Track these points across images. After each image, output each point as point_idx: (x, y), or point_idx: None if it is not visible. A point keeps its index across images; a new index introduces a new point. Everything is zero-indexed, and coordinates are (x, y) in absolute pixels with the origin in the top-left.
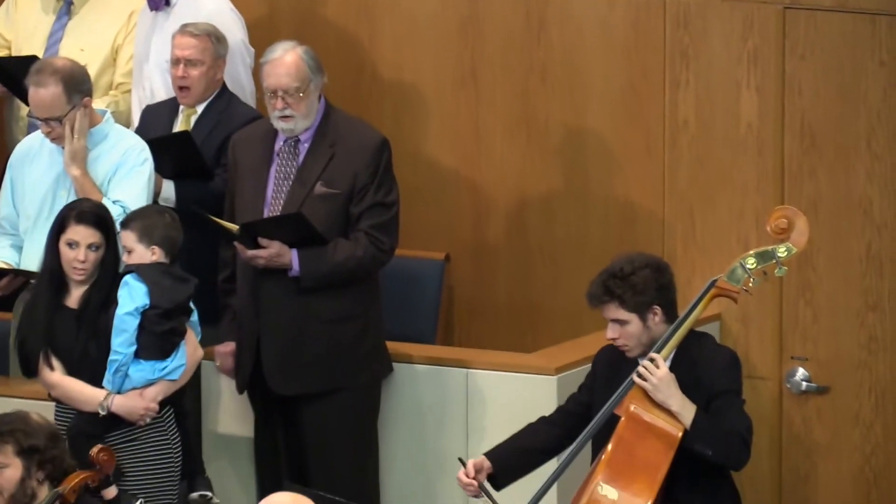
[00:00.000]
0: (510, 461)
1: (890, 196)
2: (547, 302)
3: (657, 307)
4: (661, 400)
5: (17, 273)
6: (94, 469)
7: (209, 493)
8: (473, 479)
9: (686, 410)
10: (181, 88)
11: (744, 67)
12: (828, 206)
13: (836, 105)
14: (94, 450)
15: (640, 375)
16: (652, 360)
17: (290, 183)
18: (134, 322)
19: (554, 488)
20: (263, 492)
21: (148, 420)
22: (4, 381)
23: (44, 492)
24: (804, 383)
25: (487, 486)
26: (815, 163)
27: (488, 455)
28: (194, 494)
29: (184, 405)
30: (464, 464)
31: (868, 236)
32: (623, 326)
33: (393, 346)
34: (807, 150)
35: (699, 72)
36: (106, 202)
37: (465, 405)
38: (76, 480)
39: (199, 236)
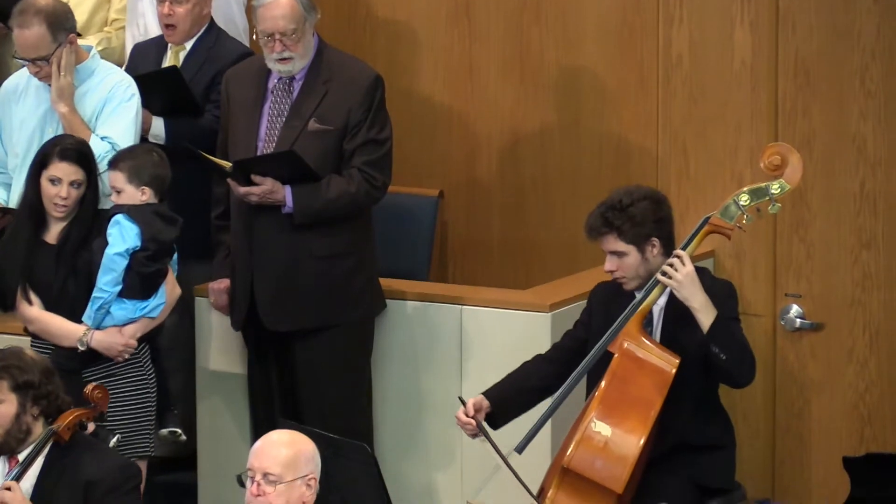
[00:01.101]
0: (508, 400)
1: (884, 133)
2: (541, 238)
3: (655, 239)
4: (684, 297)
5: (5, 211)
6: (88, 407)
7: (178, 430)
8: (472, 418)
9: (707, 310)
10: (167, 26)
11: (737, 3)
12: (821, 144)
13: (830, 42)
14: (89, 387)
15: (664, 273)
16: (678, 258)
17: (284, 120)
18: (123, 263)
19: (548, 425)
20: (257, 428)
21: (126, 356)
22: None
23: (38, 428)
24: (798, 320)
25: (485, 425)
26: (808, 100)
27: (486, 394)
28: (164, 431)
29: (158, 342)
30: (463, 403)
31: (862, 174)
32: (621, 258)
33: (386, 282)
34: (801, 86)
35: (693, 8)
36: (94, 139)
37: (458, 342)
38: (71, 418)
39: (191, 172)
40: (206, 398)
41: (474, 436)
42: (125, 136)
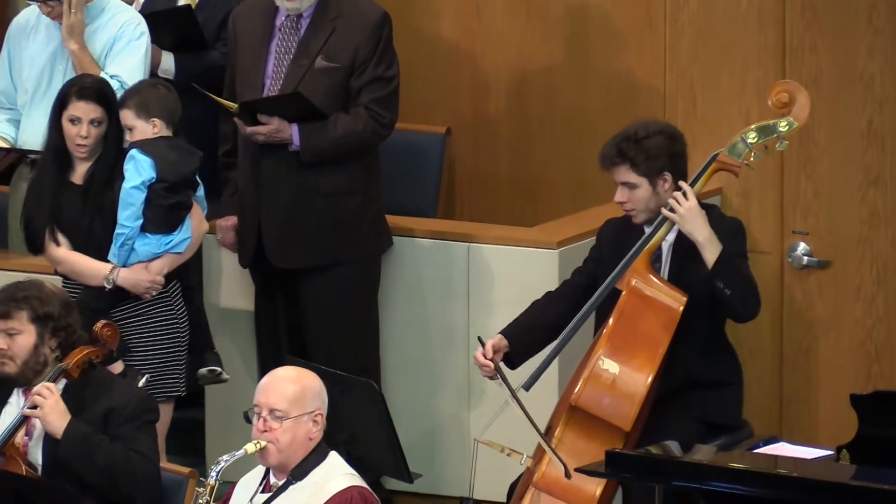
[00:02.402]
0: (524, 339)
1: (891, 71)
2: (548, 175)
3: (668, 174)
4: (688, 231)
5: (10, 150)
6: (97, 344)
7: (218, 369)
8: (490, 360)
9: (712, 245)
10: None
11: None
12: (829, 81)
13: None
14: (98, 325)
15: (668, 208)
16: (682, 192)
17: (291, 57)
18: (141, 196)
19: (555, 362)
20: (264, 366)
21: (153, 294)
22: (4, 255)
23: (53, 360)
24: (805, 258)
25: (503, 366)
26: (816, 37)
27: (504, 334)
28: (203, 370)
29: (191, 280)
30: (482, 343)
31: (869, 111)
32: (632, 190)
33: (393, 219)
34: (808, 24)
35: None
36: (103, 76)
37: (466, 279)
38: (80, 356)
39: (198, 110)
40: (214, 335)
41: (492, 377)
42: (134, 75)
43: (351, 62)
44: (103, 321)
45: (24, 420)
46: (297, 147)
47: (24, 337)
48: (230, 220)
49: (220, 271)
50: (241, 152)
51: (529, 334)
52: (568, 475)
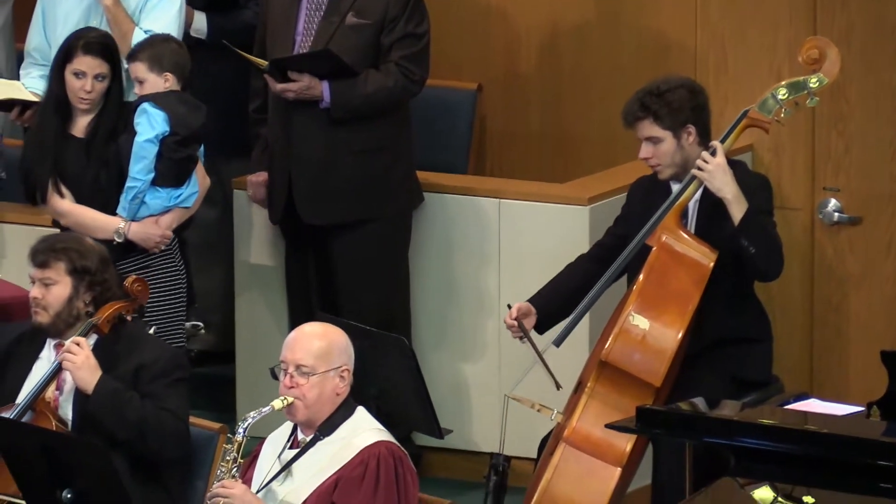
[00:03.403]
0: (553, 304)
1: None
2: (579, 132)
3: (691, 126)
4: (715, 188)
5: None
6: (128, 300)
7: (200, 324)
8: (515, 319)
9: (739, 202)
10: None
11: None
12: (860, 37)
13: None
14: (129, 280)
15: (697, 167)
16: (712, 150)
17: (322, 14)
18: (153, 149)
19: (586, 318)
20: (294, 322)
21: (163, 247)
22: (38, 211)
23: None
24: (836, 214)
25: (525, 327)
26: None
27: (532, 301)
28: (186, 324)
29: (185, 235)
30: (510, 308)
31: None
32: (657, 145)
33: (424, 175)
34: None
35: None
36: (137, 32)
37: (496, 235)
38: (110, 311)
39: (230, 67)
40: (245, 292)
41: (520, 338)
42: (168, 31)
43: (381, 18)
44: (134, 276)
45: (56, 374)
46: (327, 104)
47: (59, 288)
48: (261, 176)
49: (250, 227)
50: (272, 109)
51: (558, 298)
52: (558, 386)
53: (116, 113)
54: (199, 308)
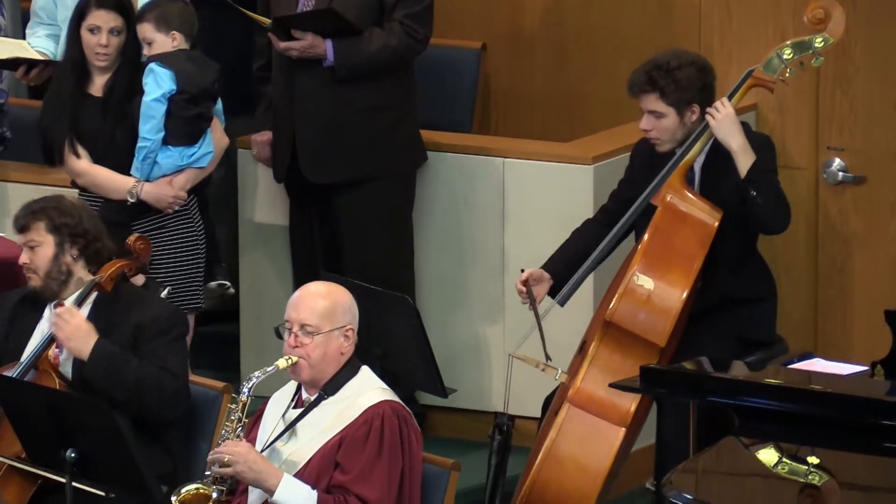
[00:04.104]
0: (566, 269)
1: None
2: (583, 91)
3: (696, 106)
4: (722, 137)
5: (48, 63)
6: (130, 258)
7: (227, 283)
8: (524, 284)
9: (746, 153)
10: None
11: None
12: None
13: None
14: (131, 238)
15: (707, 114)
16: (721, 102)
17: None
18: (161, 108)
19: (590, 278)
20: (299, 281)
21: (176, 208)
22: (43, 170)
23: (79, 270)
24: (840, 173)
25: (534, 296)
26: None
27: (545, 268)
28: (213, 283)
29: (206, 194)
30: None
31: None
32: (659, 119)
33: (428, 135)
34: None
35: None
36: None
37: (501, 194)
38: (113, 269)
39: (233, 25)
40: (249, 251)
41: (528, 304)
42: None
43: None
44: (136, 234)
45: (52, 338)
46: (331, 63)
47: (43, 248)
48: (265, 135)
49: (255, 186)
50: (276, 67)
51: (568, 263)
52: (547, 357)
53: (133, 71)
54: (225, 267)
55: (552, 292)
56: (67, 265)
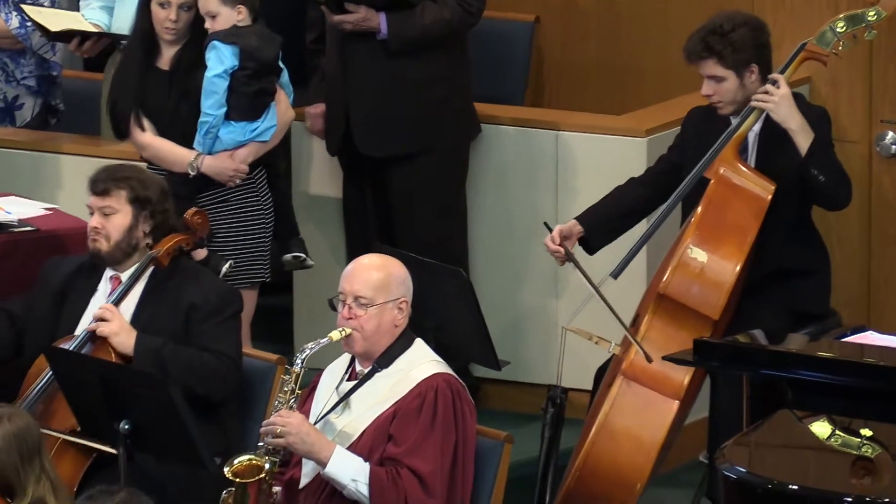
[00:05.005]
0: (601, 224)
1: None
2: (636, 63)
3: (754, 66)
4: (780, 118)
5: (101, 35)
6: (188, 232)
7: (302, 255)
8: (560, 245)
9: (805, 132)
10: None
11: None
12: None
13: None
14: (189, 212)
15: (758, 99)
16: (774, 82)
17: None
18: (223, 84)
19: (643, 251)
20: (352, 253)
21: (237, 181)
22: (96, 142)
23: (143, 243)
24: (893, 146)
25: (572, 252)
26: None
27: (579, 219)
28: (288, 256)
29: (277, 166)
30: (549, 229)
31: None
32: (719, 83)
33: (481, 107)
34: None
35: None
36: None
37: (554, 167)
38: (170, 244)
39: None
40: (302, 223)
41: (563, 262)
42: None
43: None
44: (194, 209)
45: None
46: (384, 36)
47: (119, 217)
48: (318, 108)
49: (309, 158)
50: (329, 40)
51: (606, 220)
52: (648, 359)
53: (201, 44)
54: (302, 239)
55: (584, 245)
56: (138, 239)
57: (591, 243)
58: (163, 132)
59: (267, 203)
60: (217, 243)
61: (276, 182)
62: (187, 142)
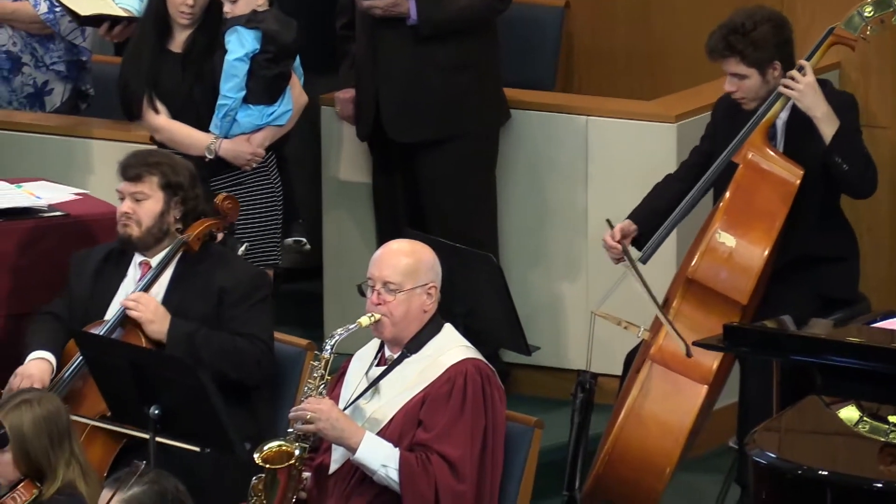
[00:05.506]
0: (652, 222)
1: None
2: (666, 49)
3: (777, 62)
4: (805, 107)
5: (131, 20)
6: (218, 217)
7: (303, 239)
8: (618, 242)
9: (829, 120)
10: None
11: None
12: None
13: None
14: (219, 197)
15: (785, 86)
16: (801, 68)
17: None
18: (244, 67)
19: (672, 235)
20: (382, 238)
21: (254, 165)
22: (126, 127)
23: (175, 232)
24: None
25: (630, 249)
26: None
27: (632, 217)
28: (289, 240)
29: (284, 151)
30: (611, 226)
31: None
32: (742, 80)
33: (511, 93)
34: None
35: None
36: None
37: (584, 153)
38: (201, 228)
39: None
40: (332, 208)
41: (618, 261)
42: None
43: None
44: (224, 193)
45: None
46: (414, 21)
47: (151, 202)
48: (349, 93)
49: (338, 144)
50: (359, 25)
51: (656, 217)
52: (689, 353)
53: (215, 27)
54: (303, 223)
55: (635, 243)
56: (168, 224)
57: (642, 241)
58: (175, 115)
59: (278, 187)
60: (234, 228)
61: (283, 166)
62: (201, 125)
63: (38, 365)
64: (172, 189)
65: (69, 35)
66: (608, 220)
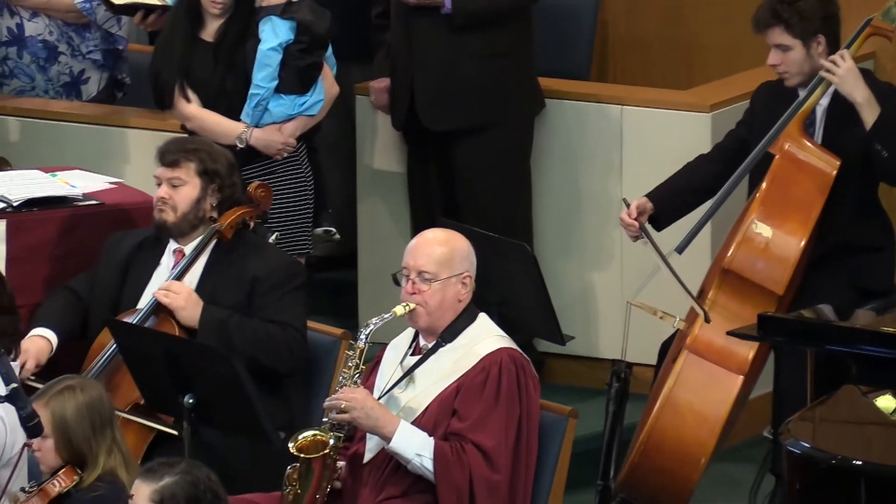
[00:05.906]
0: (671, 201)
1: None
2: (701, 38)
3: (821, 36)
4: (846, 92)
5: (165, 9)
6: (252, 205)
7: (332, 229)
8: (635, 219)
9: (871, 106)
10: None
11: None
12: None
13: None
14: (253, 185)
15: (826, 70)
16: (839, 55)
17: None
18: (277, 57)
19: (708, 226)
20: (417, 228)
21: (285, 155)
22: (162, 116)
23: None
24: None
25: (648, 227)
26: None
27: (650, 196)
28: (318, 230)
29: (314, 141)
30: (627, 205)
31: None
32: (786, 52)
33: (546, 82)
34: None
35: None
36: None
37: (619, 142)
38: (234, 217)
39: None
40: (367, 197)
41: (636, 238)
42: None
43: None
44: (258, 182)
45: (158, 305)
46: (448, 10)
47: (188, 188)
48: (383, 82)
49: (373, 133)
50: (394, 14)
51: (676, 197)
52: (707, 319)
53: (247, 16)
54: (332, 213)
55: (654, 222)
56: (204, 211)
57: (661, 220)
58: (207, 104)
59: (309, 176)
60: (267, 217)
61: (313, 156)
62: (232, 114)
63: (35, 342)
64: (209, 176)
65: (105, 24)
66: (624, 199)
